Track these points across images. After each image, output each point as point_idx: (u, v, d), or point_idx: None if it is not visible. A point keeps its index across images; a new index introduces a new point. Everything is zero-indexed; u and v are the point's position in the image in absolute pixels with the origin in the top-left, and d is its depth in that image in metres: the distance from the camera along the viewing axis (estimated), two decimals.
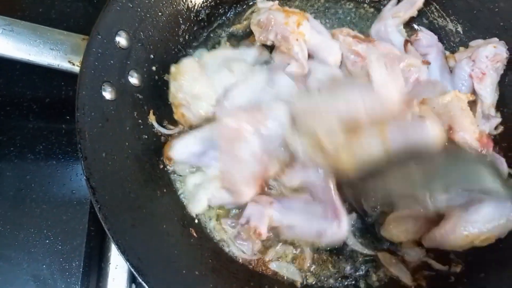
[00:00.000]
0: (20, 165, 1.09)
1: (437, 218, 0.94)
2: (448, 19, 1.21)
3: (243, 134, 0.94)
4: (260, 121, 0.96)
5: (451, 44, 1.22)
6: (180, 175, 1.07)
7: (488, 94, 1.07)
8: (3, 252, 0.99)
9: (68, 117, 1.14)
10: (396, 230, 0.97)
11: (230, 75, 1.05)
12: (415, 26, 1.20)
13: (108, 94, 0.95)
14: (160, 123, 1.09)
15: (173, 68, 1.05)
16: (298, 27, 1.05)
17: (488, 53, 1.06)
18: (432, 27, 1.23)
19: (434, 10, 1.22)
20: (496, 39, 1.11)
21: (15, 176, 1.07)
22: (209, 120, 1.05)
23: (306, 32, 1.06)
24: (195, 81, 1.02)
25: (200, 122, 1.07)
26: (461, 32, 1.20)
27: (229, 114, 0.97)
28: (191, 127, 1.08)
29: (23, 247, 1.00)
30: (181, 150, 1.02)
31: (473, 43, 1.12)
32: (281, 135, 0.97)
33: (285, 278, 1.00)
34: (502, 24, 1.13)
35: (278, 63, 1.09)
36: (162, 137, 1.08)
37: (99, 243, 1.06)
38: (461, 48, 1.15)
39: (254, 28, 1.12)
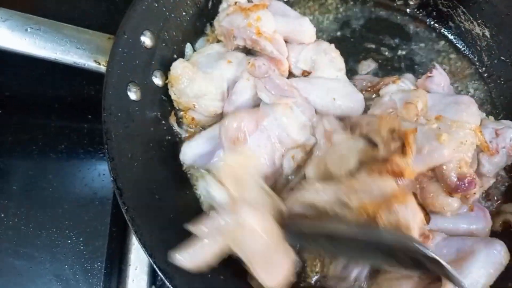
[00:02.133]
0: (42, 164, 1.08)
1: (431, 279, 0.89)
2: (475, 22, 1.19)
3: (245, 133, 0.91)
4: (260, 120, 0.93)
5: (477, 48, 1.20)
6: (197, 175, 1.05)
7: (490, 172, 1.00)
8: (26, 251, 0.99)
9: (90, 117, 1.14)
10: None
11: (228, 66, 1.02)
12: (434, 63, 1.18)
13: (133, 94, 0.94)
14: (181, 125, 1.08)
15: (168, 76, 1.02)
16: (259, 22, 1.00)
17: None
18: (458, 31, 1.21)
19: (461, 13, 1.20)
20: None
21: (37, 176, 1.07)
22: (220, 116, 1.03)
23: (269, 25, 1.01)
24: (192, 80, 0.99)
25: (212, 120, 1.06)
26: (488, 36, 1.18)
27: (230, 114, 0.95)
28: (205, 128, 1.06)
29: (46, 246, 1.00)
30: (189, 153, 1.00)
31: (506, 122, 1.05)
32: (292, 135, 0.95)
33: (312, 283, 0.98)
34: None
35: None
36: (183, 138, 1.07)
37: (120, 244, 1.06)
38: (490, 117, 1.11)
39: (221, 38, 1.09)
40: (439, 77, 1.07)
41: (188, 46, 1.12)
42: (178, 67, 1.00)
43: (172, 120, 1.06)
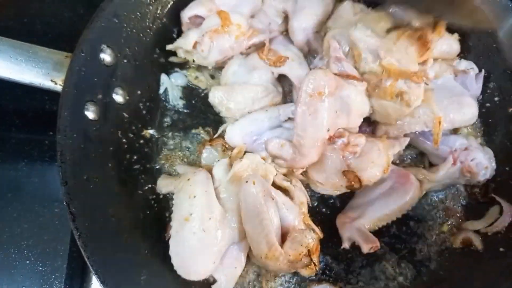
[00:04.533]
0: (1, 182, 1.06)
1: None
2: None
3: (325, 94, 0.90)
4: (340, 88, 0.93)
5: None
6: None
7: (441, 180, 1.05)
8: None
9: (51, 133, 1.11)
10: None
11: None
12: None
13: (91, 113, 0.93)
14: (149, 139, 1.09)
15: None
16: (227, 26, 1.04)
17: (479, 162, 1.02)
18: None
19: None
20: None
21: None
22: None
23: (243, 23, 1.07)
24: None
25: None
26: None
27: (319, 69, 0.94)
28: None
29: (3, 267, 0.98)
30: (236, 133, 1.01)
31: (488, 150, 1.07)
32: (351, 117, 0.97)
33: None
34: None
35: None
36: (147, 156, 1.07)
37: (81, 263, 1.04)
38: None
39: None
40: None
41: (164, 77, 1.14)
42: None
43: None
